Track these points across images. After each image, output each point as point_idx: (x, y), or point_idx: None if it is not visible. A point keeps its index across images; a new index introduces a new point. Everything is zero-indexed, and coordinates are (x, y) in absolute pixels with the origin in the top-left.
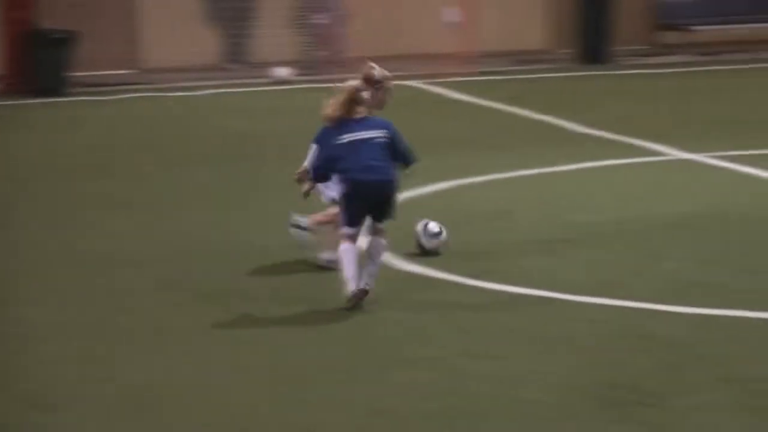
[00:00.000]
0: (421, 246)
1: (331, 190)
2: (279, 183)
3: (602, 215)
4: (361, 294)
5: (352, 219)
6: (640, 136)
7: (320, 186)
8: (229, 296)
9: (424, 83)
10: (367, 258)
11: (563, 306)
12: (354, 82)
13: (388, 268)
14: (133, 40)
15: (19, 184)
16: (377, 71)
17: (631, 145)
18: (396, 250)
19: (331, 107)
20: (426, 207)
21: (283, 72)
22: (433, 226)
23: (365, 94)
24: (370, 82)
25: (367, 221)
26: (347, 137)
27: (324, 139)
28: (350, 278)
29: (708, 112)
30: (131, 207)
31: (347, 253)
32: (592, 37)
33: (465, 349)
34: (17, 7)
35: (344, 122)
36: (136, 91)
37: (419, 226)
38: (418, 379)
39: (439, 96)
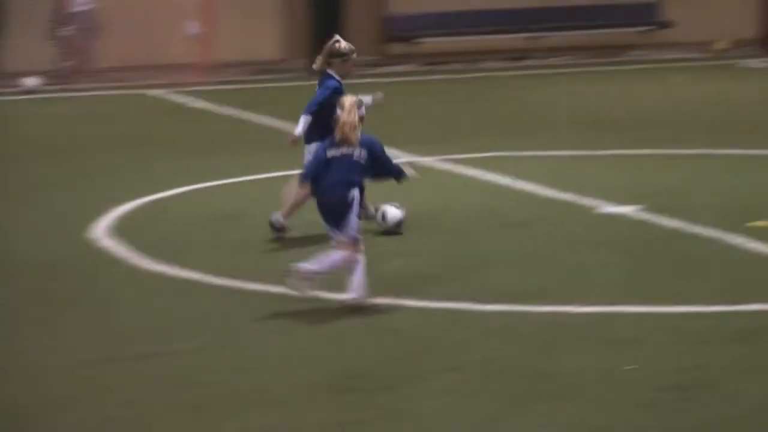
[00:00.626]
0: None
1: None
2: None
3: None
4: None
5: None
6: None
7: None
8: None
9: (166, 92)
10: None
11: (296, 299)
12: (353, 99)
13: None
14: None
15: None
16: (342, 44)
17: None
18: (148, 251)
19: (347, 130)
20: (165, 209)
21: (31, 82)
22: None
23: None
24: (337, 55)
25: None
26: (331, 153)
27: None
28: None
29: (429, 116)
30: None
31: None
32: (323, 45)
33: (204, 342)
34: None
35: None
36: None
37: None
38: (161, 371)
39: (180, 104)
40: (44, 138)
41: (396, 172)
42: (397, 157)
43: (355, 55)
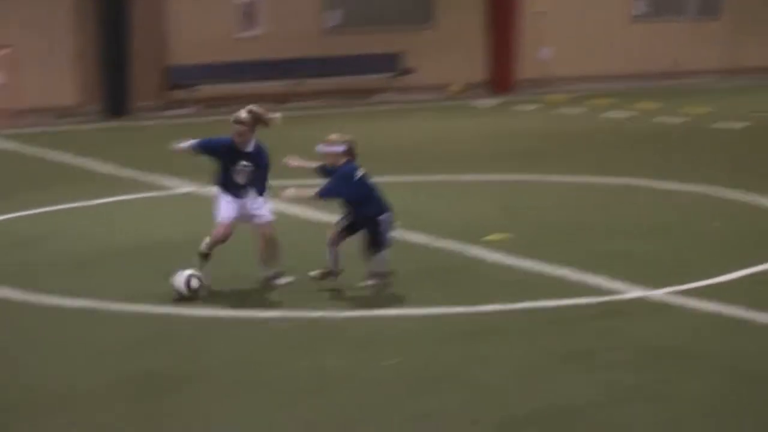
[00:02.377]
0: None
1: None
2: None
3: (122, 238)
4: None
5: None
6: (159, 172)
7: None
8: None
9: None
10: None
11: (93, 313)
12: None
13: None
14: None
15: None
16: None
17: (151, 182)
18: None
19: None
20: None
21: None
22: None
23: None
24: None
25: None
26: (359, 173)
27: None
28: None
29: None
30: None
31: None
32: (114, 94)
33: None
34: None
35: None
36: None
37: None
38: None
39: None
40: None
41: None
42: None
43: (234, 122)
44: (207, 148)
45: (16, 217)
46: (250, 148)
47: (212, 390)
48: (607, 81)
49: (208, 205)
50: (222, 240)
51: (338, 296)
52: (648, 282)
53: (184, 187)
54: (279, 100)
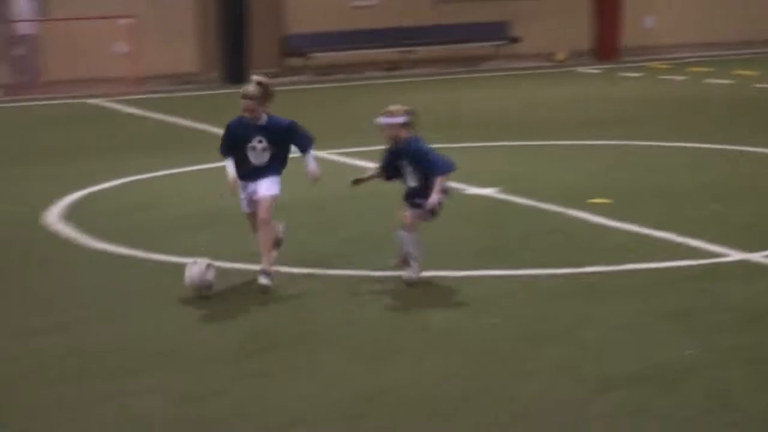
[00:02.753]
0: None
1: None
2: None
3: (235, 200)
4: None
5: None
6: None
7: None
8: None
9: (102, 101)
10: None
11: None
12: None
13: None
14: None
15: None
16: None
17: None
18: (89, 232)
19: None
20: (104, 199)
21: None
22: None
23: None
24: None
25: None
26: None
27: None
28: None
29: (316, 118)
30: None
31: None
32: (233, 62)
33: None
34: None
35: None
36: None
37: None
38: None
39: (114, 110)
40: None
41: None
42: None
43: (242, 97)
44: (227, 144)
45: (136, 180)
46: (262, 122)
47: (319, 347)
48: (708, 48)
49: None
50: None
51: (442, 257)
52: (747, 245)
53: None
54: (390, 67)
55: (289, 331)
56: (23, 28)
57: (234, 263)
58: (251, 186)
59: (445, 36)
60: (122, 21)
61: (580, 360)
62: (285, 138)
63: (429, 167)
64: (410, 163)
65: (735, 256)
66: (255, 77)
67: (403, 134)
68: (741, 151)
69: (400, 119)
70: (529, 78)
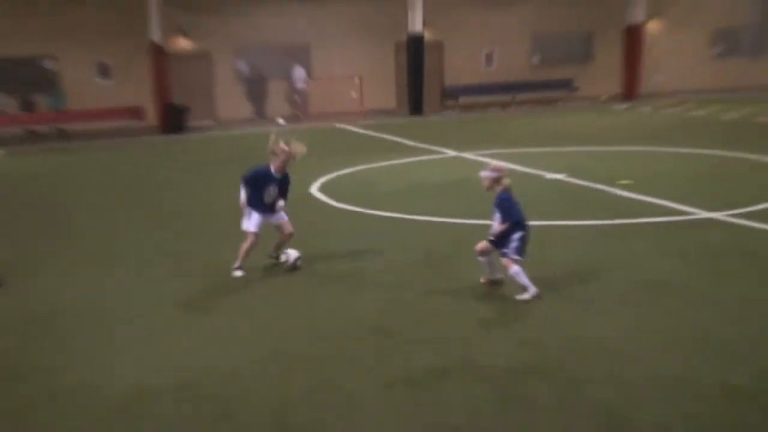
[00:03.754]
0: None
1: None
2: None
3: (419, 179)
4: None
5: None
6: (437, 145)
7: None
8: None
9: (342, 125)
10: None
11: (411, 222)
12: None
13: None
14: None
15: None
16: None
17: (433, 150)
18: (336, 198)
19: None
20: (344, 179)
21: (281, 121)
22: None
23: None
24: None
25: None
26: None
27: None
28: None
29: (462, 134)
30: None
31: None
32: (415, 102)
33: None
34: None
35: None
36: None
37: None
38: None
39: (350, 131)
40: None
41: None
42: (448, 152)
43: (293, 159)
44: (252, 182)
45: (360, 169)
46: (281, 175)
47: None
48: (693, 93)
49: (465, 163)
50: (255, 246)
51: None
52: (716, 208)
53: (451, 152)
54: (503, 105)
55: None
56: (299, 85)
57: (424, 216)
58: (269, 217)
59: (536, 87)
60: (354, 78)
61: (619, 274)
62: (284, 188)
63: (503, 214)
64: (496, 209)
65: (707, 215)
66: (303, 151)
67: (494, 186)
68: (712, 154)
69: (492, 174)
70: (584, 111)
